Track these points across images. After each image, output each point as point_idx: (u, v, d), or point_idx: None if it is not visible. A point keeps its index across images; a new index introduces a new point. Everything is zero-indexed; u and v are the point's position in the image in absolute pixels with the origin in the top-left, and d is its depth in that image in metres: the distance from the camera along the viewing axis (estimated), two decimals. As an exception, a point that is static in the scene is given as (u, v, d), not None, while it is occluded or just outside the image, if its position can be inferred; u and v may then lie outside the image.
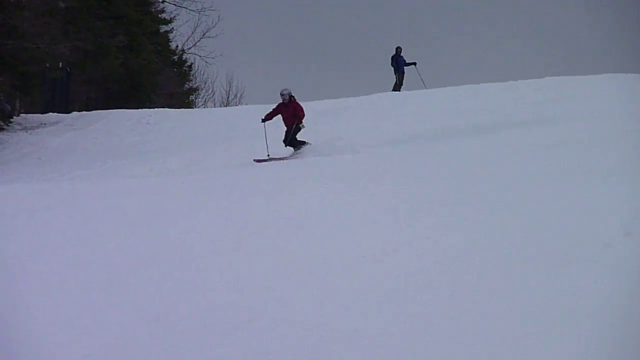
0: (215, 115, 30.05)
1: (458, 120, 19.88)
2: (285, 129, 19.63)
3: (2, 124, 35.36)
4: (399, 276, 6.37)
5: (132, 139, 26.53)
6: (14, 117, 37.87)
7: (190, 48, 52.79)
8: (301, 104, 19.70)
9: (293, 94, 19.74)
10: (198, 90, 54.20)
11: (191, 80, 53.29)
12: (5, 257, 8.27)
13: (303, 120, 19.50)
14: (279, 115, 19.79)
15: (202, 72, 55.48)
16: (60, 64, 38.34)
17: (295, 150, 19.47)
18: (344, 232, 8.03)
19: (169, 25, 49.61)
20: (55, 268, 7.71)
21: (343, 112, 25.10)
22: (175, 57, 51.14)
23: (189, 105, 48.88)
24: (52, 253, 8.32)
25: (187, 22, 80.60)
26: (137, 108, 35.08)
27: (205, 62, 52.41)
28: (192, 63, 52.59)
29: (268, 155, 19.20)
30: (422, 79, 30.35)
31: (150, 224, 9.54)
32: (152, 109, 33.58)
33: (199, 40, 52.53)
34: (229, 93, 56.19)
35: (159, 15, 48.28)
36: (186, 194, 11.93)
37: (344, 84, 71.91)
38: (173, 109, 33.79)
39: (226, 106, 50.59)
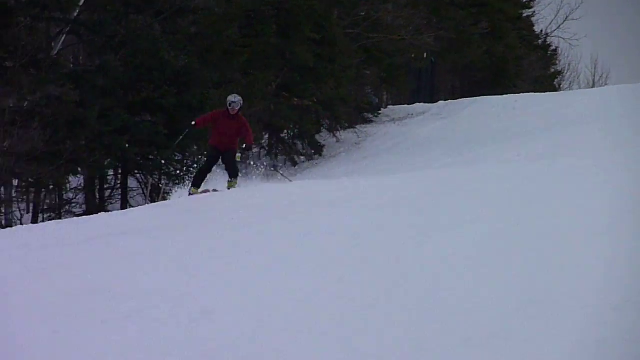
0: (581, 97, 29.33)
1: None
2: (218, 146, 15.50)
3: (371, 116, 36.80)
4: None
5: (498, 125, 26.57)
6: (382, 109, 39.28)
7: (554, 31, 52.14)
8: None
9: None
10: (562, 72, 53.55)
11: (556, 64, 52.76)
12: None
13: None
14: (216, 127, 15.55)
15: (566, 55, 54.59)
16: (425, 54, 39.27)
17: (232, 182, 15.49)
18: None
19: (531, 9, 49.39)
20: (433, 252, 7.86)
21: None
22: (539, 41, 50.79)
23: (554, 88, 48.23)
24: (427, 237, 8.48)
25: (549, 4, 78.97)
26: (502, 94, 35.14)
27: (570, 44, 51.59)
28: (556, 47, 52.10)
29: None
30: None
31: (521, 209, 9.46)
32: (517, 95, 33.47)
33: (562, 23, 51.80)
34: (594, 74, 54.94)
35: (521, 0, 48.18)
36: (553, 178, 11.73)
37: None
38: (539, 93, 33.46)
39: (592, 87, 49.44)
